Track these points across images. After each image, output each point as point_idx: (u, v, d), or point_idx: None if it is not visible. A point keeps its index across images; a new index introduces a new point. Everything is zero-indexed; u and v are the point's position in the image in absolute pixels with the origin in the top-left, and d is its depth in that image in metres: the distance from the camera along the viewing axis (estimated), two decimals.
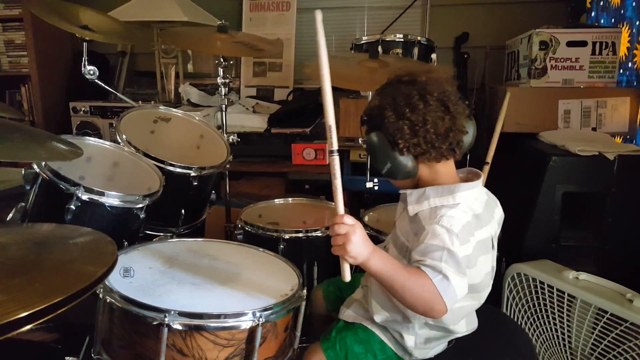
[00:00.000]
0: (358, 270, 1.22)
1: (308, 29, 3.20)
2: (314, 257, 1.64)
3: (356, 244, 0.94)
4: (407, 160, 1.03)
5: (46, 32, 3.12)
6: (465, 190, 1.04)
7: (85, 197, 1.37)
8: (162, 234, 1.74)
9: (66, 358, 1.19)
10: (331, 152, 0.97)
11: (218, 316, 1.04)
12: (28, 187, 1.42)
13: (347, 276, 0.99)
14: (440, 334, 1.14)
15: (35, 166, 1.39)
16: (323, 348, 1.16)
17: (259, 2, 3.18)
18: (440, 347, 1.19)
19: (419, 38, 2.37)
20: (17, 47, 3.15)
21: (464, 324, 1.16)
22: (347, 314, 1.22)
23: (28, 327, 0.66)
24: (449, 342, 1.21)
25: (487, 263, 1.07)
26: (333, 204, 1.98)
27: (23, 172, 1.41)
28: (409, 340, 1.12)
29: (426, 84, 1.03)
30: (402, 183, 1.10)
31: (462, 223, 0.99)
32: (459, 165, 1.12)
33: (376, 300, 1.15)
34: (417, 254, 0.97)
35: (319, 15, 0.95)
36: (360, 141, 1.14)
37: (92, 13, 2.05)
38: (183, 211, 1.77)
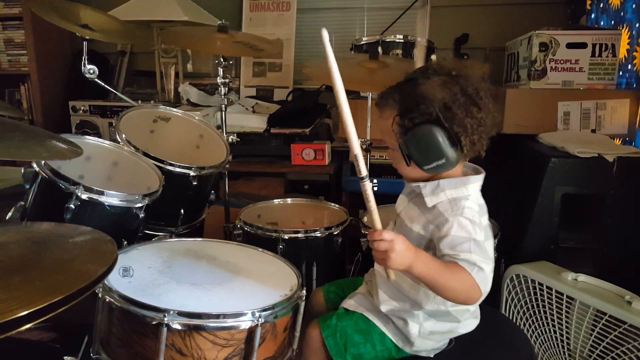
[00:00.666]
0: (360, 274, 1.23)
1: (308, 29, 3.20)
2: (313, 258, 1.64)
3: (397, 257, 0.95)
4: (458, 156, 1.03)
5: (46, 31, 3.12)
6: (475, 182, 1.08)
7: (84, 196, 1.36)
8: (161, 233, 1.73)
9: (65, 357, 1.19)
10: (361, 179, 0.97)
11: (217, 316, 1.04)
12: (27, 186, 1.42)
13: (392, 275, 1.02)
14: (446, 327, 1.16)
15: (34, 165, 1.39)
16: (324, 335, 1.18)
17: (259, 2, 3.18)
18: (440, 344, 1.19)
19: (419, 39, 2.38)
20: (16, 46, 3.15)
21: (470, 317, 1.18)
22: (349, 303, 1.24)
23: (27, 326, 0.66)
24: (449, 342, 1.21)
25: (491, 249, 1.09)
26: (332, 204, 2.00)
27: (22, 171, 1.41)
28: (413, 328, 1.14)
29: (479, 82, 1.04)
30: (416, 175, 1.09)
31: (477, 212, 1.04)
32: None
33: (383, 291, 1.17)
34: (447, 247, 1.00)
35: (325, 34, 0.93)
36: (399, 134, 1.06)
37: (92, 12, 2.05)
38: (182, 211, 1.76)
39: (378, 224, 0.99)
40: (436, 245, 1.04)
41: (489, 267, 0.99)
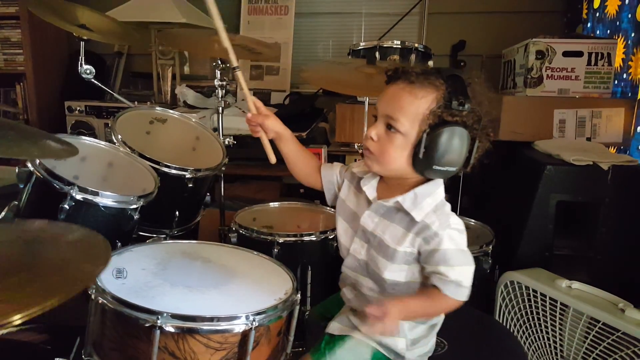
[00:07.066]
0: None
1: (306, 33, 3.21)
2: (308, 262, 1.64)
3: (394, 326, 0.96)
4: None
5: (43, 31, 3.11)
6: (442, 184, 1.06)
7: (79, 196, 1.35)
8: (155, 235, 1.73)
9: (56, 359, 1.18)
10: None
11: (211, 319, 1.03)
12: (21, 186, 1.41)
13: None
14: (425, 327, 1.15)
15: (29, 164, 1.38)
16: (314, 359, 1.15)
17: (257, 6, 3.19)
18: (428, 346, 1.18)
19: (416, 45, 2.38)
20: (13, 45, 3.14)
21: None
22: (333, 326, 1.20)
23: (15, 325, 0.65)
24: (442, 346, 1.21)
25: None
26: (328, 208, 1.99)
27: (17, 170, 1.40)
28: (400, 343, 1.12)
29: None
30: (398, 167, 1.02)
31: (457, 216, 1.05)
32: None
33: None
34: (440, 262, 1.00)
35: None
36: (431, 121, 0.97)
37: (90, 12, 2.04)
38: (177, 213, 1.76)
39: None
40: (424, 257, 1.03)
41: (469, 274, 1.01)
